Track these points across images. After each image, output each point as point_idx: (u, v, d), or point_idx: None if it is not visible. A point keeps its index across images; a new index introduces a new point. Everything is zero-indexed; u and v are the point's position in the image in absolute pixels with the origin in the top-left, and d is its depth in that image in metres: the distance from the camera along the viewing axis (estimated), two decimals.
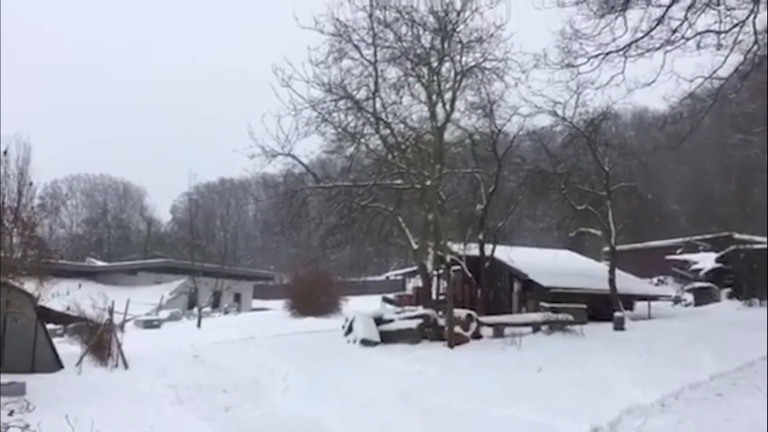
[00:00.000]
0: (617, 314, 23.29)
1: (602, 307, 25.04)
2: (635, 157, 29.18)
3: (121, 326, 20.54)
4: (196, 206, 75.58)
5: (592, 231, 29.34)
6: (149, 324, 34.95)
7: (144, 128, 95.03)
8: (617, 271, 27.22)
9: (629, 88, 20.07)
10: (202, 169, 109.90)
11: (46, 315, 19.09)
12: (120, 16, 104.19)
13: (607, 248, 29.84)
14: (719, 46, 18.00)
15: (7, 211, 16.50)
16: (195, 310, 42.09)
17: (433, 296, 26.52)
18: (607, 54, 18.73)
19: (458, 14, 23.75)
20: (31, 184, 16.90)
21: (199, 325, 34.47)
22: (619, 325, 22.53)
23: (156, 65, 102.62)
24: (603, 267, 30.24)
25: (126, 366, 17.40)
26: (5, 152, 17.60)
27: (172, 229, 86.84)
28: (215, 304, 50.59)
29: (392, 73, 25.20)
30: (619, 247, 28.65)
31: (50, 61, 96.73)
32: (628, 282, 29.18)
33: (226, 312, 48.14)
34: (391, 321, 21.62)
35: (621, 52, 18.66)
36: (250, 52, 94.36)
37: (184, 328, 33.09)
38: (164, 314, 40.89)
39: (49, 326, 18.97)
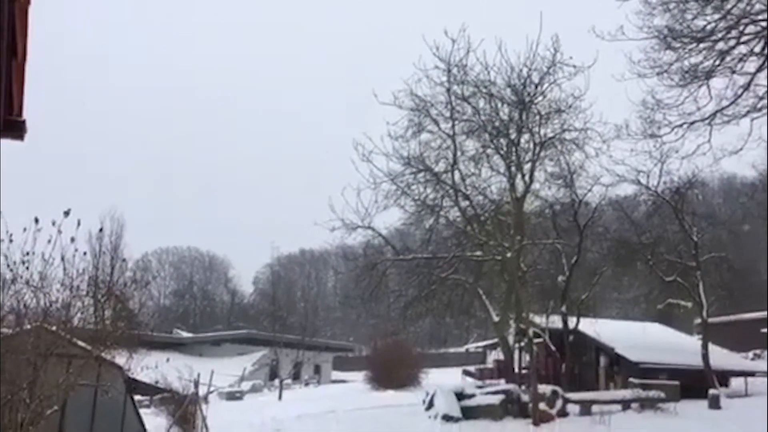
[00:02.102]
0: (712, 391, 22.12)
1: (695, 384, 23.83)
2: (725, 226, 28.20)
3: (205, 398, 20.83)
4: (278, 278, 76.90)
5: (682, 303, 28.20)
6: (232, 396, 35.41)
7: (229, 202, 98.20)
8: (710, 345, 25.96)
9: (716, 157, 19.61)
10: (283, 241, 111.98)
11: (135, 387, 19.57)
12: (205, 95, 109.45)
13: (698, 321, 28.59)
14: None
15: (101, 286, 17.15)
16: (276, 381, 42.39)
17: (515, 370, 25.95)
18: (692, 123, 18.44)
19: (536, 87, 23.93)
20: (124, 260, 17.56)
21: (280, 397, 34.69)
22: (715, 404, 21.37)
23: (238, 140, 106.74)
24: (694, 341, 28.94)
25: None
26: (100, 230, 18.49)
27: (254, 300, 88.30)
28: (296, 376, 50.83)
29: (470, 145, 25.50)
30: (711, 320, 27.40)
31: (139, 142, 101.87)
32: (722, 357, 27.75)
33: (307, 384, 48.34)
34: (472, 396, 21.19)
35: (706, 121, 18.34)
36: (331, 129, 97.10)
37: (266, 400, 33.32)
38: (246, 386, 41.40)
39: (136, 398, 19.41)
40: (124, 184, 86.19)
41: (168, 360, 17.75)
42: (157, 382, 20.78)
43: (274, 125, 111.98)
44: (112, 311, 16.68)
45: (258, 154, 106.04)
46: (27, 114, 3.93)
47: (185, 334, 61.57)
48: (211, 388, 22.55)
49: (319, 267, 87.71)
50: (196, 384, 19.58)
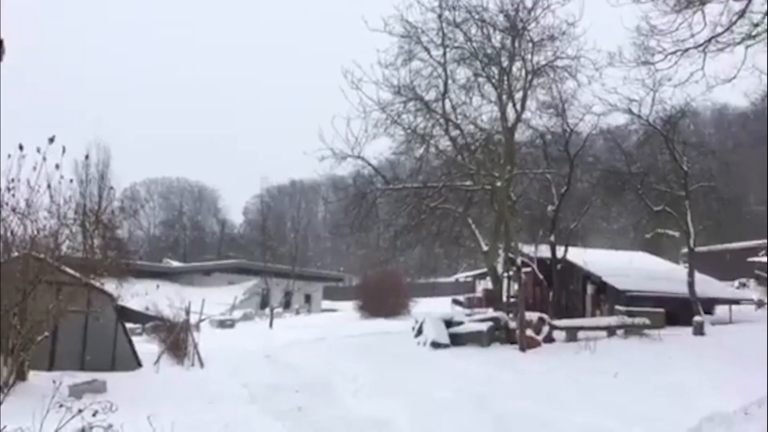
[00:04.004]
0: (697, 318, 22.53)
1: (681, 312, 24.25)
2: (715, 155, 28.13)
3: (197, 326, 21.03)
4: (268, 208, 76.91)
5: (670, 232, 28.42)
6: (223, 324, 35.81)
7: (216, 131, 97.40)
8: (696, 274, 26.27)
9: (709, 85, 19.29)
10: (272, 171, 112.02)
11: (126, 314, 19.75)
12: (193, 24, 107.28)
13: (685, 250, 28.85)
14: None
15: (89, 214, 17.06)
16: (267, 310, 42.88)
17: (504, 298, 26.22)
18: (686, 50, 18.09)
19: (529, 12, 23.42)
20: (111, 188, 17.47)
21: (271, 325, 35.11)
22: (699, 330, 21.79)
23: (226, 70, 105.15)
24: (681, 269, 29.31)
25: (202, 365, 17.81)
26: (86, 157, 18.25)
27: (244, 231, 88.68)
28: (286, 305, 51.41)
29: (462, 73, 25.09)
30: (698, 249, 27.64)
31: (125, 69, 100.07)
32: (708, 285, 28.15)
33: (297, 312, 48.94)
34: (461, 323, 21.47)
35: (700, 48, 17.98)
36: (319, 55, 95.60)
37: (257, 328, 33.75)
38: (237, 314, 41.85)
39: (128, 325, 19.60)
40: (110, 113, 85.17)
41: (158, 287, 17.86)
42: (147, 309, 20.96)
43: (263, 53, 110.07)
44: (101, 239, 16.67)
45: (247, 83, 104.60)
46: (6, 35, 3.70)
47: (175, 264, 61.90)
48: (203, 317, 22.74)
49: (308, 197, 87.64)
50: (187, 312, 19.73)
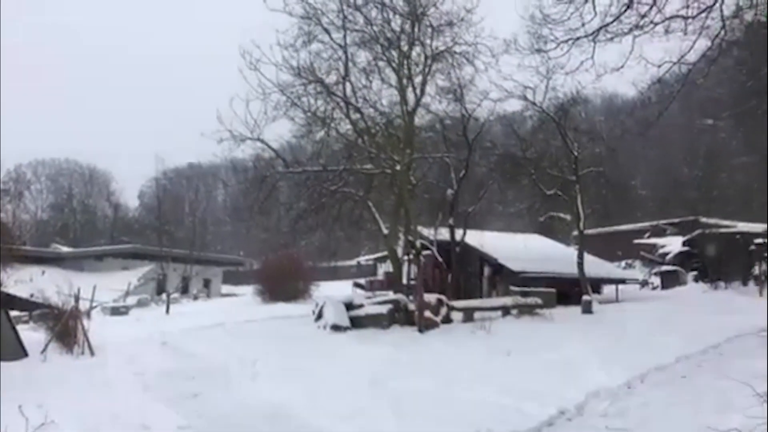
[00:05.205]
0: (585, 298, 23.52)
1: (571, 291, 25.29)
2: (604, 142, 29.38)
3: (88, 313, 20.19)
4: (164, 191, 74.62)
5: (562, 215, 29.56)
6: (117, 311, 34.55)
7: (110, 112, 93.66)
8: (586, 255, 27.42)
9: (598, 73, 19.94)
10: (170, 153, 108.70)
11: (9, 302, 18.72)
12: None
13: (576, 232, 30.07)
14: (686, 32, 18.05)
15: None
16: (163, 296, 41.68)
17: (404, 281, 26.54)
18: (577, 39, 18.63)
19: None
20: None
21: (167, 311, 34.15)
22: (587, 309, 22.76)
23: (122, 48, 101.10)
24: (572, 251, 30.49)
25: (92, 353, 17.11)
26: None
27: (139, 215, 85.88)
28: (184, 290, 50.24)
29: (362, 57, 25.11)
30: (587, 232, 28.85)
31: (13, 43, 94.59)
32: (596, 266, 29.49)
33: (196, 298, 47.90)
34: (361, 306, 21.54)
35: (590, 37, 18.56)
36: (217, 35, 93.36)
37: (153, 315, 32.73)
38: (132, 300, 40.52)
39: (13, 313, 18.60)
40: None
41: (44, 273, 17.05)
42: (32, 296, 19.94)
43: (158, 32, 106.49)
44: None
45: (141, 60, 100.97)
46: None
47: (65, 249, 59.28)
48: (94, 303, 21.84)
49: (207, 181, 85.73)
50: (77, 298, 18.88)
